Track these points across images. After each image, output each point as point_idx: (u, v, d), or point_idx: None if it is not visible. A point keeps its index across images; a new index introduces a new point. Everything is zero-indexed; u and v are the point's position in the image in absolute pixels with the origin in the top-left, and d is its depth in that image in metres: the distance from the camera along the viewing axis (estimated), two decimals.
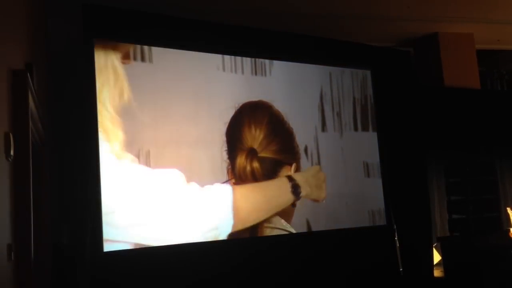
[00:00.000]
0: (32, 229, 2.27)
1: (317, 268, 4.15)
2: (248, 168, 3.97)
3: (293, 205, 4.13)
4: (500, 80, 6.06)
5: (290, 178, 4.12)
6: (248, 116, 4.10)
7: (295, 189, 4.11)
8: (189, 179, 3.71)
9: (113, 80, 3.56)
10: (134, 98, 3.63)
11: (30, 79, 2.30)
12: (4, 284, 1.93)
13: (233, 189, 3.86)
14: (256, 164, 4.00)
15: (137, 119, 3.62)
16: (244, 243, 3.92)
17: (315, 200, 4.30)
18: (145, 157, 3.59)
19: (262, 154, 4.07)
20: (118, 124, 3.52)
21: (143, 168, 3.56)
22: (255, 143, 4.06)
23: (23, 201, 2.18)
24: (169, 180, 3.62)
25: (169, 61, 3.85)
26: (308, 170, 4.31)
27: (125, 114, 3.57)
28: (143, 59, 3.73)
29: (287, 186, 4.10)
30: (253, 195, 3.96)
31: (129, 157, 3.52)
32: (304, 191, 4.16)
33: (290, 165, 4.23)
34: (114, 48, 3.61)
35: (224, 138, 3.96)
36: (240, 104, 4.09)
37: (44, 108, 3.33)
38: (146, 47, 3.75)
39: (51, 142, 3.69)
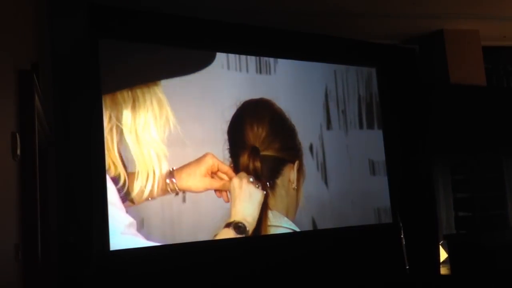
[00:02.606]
0: (39, 229, 2.28)
1: (323, 266, 4.15)
2: (251, 166, 3.96)
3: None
4: (506, 77, 6.03)
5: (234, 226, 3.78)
6: (250, 114, 4.09)
7: (240, 230, 3.80)
8: None
9: (158, 111, 3.63)
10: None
11: (36, 79, 2.31)
12: (12, 284, 1.94)
13: None
14: (259, 163, 3.99)
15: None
16: (251, 242, 3.91)
17: None
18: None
19: (265, 153, 4.06)
20: None
21: None
22: (258, 142, 4.05)
23: (30, 201, 2.19)
24: None
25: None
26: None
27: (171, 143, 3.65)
28: None
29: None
30: None
31: None
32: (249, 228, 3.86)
33: (293, 162, 4.22)
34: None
35: (226, 137, 3.95)
36: (241, 102, 4.08)
37: (50, 107, 3.35)
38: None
39: (57, 142, 3.71)
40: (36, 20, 2.95)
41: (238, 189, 3.87)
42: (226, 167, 3.85)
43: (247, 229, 3.83)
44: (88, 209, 3.48)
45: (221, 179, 3.82)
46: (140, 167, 3.51)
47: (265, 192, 3.97)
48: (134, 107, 3.55)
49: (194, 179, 3.70)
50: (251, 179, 3.91)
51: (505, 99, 5.63)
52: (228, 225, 3.80)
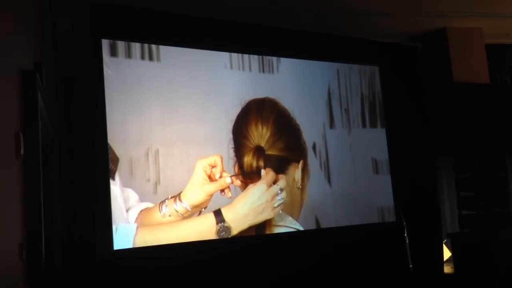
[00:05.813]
0: (43, 228, 2.28)
1: (326, 265, 4.15)
2: (256, 166, 3.96)
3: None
4: (510, 75, 6.02)
5: (218, 216, 3.54)
6: (255, 114, 4.09)
7: (222, 231, 3.54)
8: None
9: None
10: (142, 97, 3.65)
11: (39, 79, 2.31)
12: (15, 283, 1.94)
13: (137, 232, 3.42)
14: (263, 162, 3.98)
15: (145, 118, 3.64)
16: (255, 241, 3.91)
17: None
18: (154, 156, 3.61)
19: (270, 152, 4.05)
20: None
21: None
22: (262, 141, 4.04)
23: (33, 200, 2.19)
24: None
25: (176, 59, 3.86)
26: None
27: None
28: (151, 58, 3.74)
29: (213, 227, 3.54)
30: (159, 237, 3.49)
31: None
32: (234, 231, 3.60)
33: (298, 162, 4.21)
34: None
35: (231, 136, 3.95)
36: (246, 101, 4.08)
37: (53, 107, 3.35)
38: (154, 46, 3.77)
39: (60, 141, 3.72)
40: (38, 20, 2.96)
41: (251, 195, 3.64)
42: (216, 161, 3.58)
43: (230, 230, 3.58)
44: (92, 208, 3.49)
45: (217, 179, 3.56)
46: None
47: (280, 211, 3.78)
48: None
49: (196, 193, 3.50)
50: (278, 195, 3.67)
51: (508, 97, 5.62)
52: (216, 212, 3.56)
